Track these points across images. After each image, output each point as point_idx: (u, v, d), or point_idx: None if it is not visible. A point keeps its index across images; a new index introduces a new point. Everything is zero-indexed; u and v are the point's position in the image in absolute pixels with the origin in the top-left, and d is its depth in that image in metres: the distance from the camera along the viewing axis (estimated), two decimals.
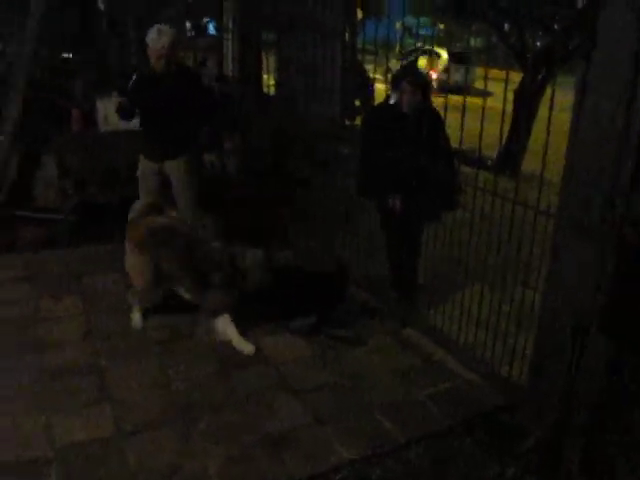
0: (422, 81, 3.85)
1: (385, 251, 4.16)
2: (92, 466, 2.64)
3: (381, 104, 4.13)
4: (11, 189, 5.35)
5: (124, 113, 4.17)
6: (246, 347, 3.56)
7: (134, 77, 4.07)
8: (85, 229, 5.04)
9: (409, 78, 3.76)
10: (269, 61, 5.92)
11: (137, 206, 4.17)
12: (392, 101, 3.83)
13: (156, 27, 3.97)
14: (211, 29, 9.67)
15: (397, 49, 8.52)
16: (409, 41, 12.77)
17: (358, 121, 4.69)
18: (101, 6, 7.33)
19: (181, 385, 3.23)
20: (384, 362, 3.54)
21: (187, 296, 3.75)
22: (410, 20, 8.69)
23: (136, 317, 3.83)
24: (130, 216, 4.10)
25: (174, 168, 4.28)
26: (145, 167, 4.32)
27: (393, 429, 2.94)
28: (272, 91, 6.14)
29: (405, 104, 3.75)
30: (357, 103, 8.21)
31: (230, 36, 5.92)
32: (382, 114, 3.95)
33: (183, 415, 2.99)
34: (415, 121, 3.65)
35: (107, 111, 5.07)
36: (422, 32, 4.41)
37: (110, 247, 4.63)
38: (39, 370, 3.31)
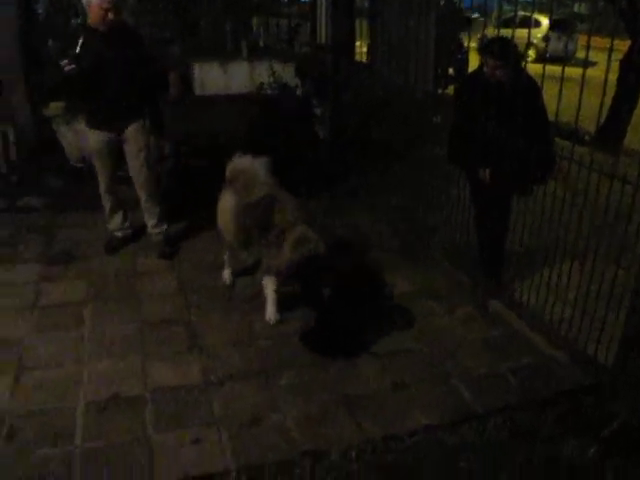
0: (500, 50, 3.61)
1: (473, 223, 4.10)
2: (181, 409, 2.85)
3: (475, 72, 4.01)
4: None
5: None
6: (272, 315, 3.57)
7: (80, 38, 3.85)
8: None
9: (490, 49, 3.63)
10: (362, 28, 5.89)
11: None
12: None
13: None
14: None
15: (494, 16, 8.20)
16: (507, 8, 12.20)
17: (450, 90, 4.58)
18: None
19: (266, 342, 3.38)
20: (467, 333, 3.54)
21: (242, 254, 3.82)
22: None
23: (226, 273, 3.99)
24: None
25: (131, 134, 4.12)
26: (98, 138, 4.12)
27: (471, 399, 2.96)
28: (364, 59, 6.12)
29: (489, 76, 3.64)
30: (450, 72, 8.03)
31: (323, 2, 5.89)
32: (475, 83, 3.84)
33: (266, 370, 3.13)
34: (509, 90, 3.53)
35: (203, 75, 5.15)
36: None
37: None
38: (136, 320, 3.56)
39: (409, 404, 2.90)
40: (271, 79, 6.18)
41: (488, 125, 3.62)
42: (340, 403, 2.90)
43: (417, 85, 4.51)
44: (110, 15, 3.83)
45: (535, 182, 3.71)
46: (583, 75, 2.97)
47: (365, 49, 6.20)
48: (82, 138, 5.50)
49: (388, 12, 4.99)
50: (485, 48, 3.70)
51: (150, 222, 4.40)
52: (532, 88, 3.57)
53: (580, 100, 3.08)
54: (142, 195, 4.32)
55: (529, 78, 3.66)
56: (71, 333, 3.46)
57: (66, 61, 3.73)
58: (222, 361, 3.21)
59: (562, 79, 3.11)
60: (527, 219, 3.60)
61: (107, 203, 4.38)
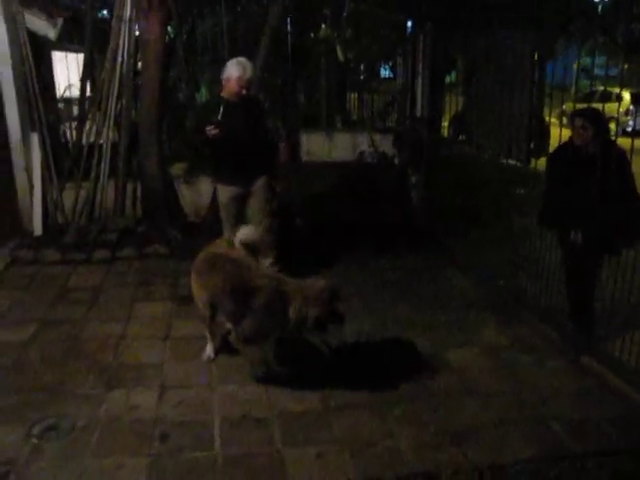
0: (591, 114, 3.98)
1: (564, 283, 4.37)
2: (305, 430, 3.23)
3: (566, 143, 4.39)
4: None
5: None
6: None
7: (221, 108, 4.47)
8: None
9: (578, 112, 4.01)
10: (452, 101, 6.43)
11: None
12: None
13: (241, 60, 4.49)
14: (383, 72, 10.39)
15: (572, 91, 8.55)
16: (585, 82, 12.49)
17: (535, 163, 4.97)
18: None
19: None
20: (561, 383, 3.77)
21: (227, 325, 3.77)
22: (587, 60, 8.65)
23: (208, 349, 3.97)
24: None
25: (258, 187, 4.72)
26: (230, 193, 4.72)
27: (569, 440, 3.18)
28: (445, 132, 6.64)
29: (577, 139, 3.99)
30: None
31: (420, 79, 6.50)
32: (566, 153, 4.21)
33: (382, 400, 3.50)
34: (600, 159, 3.88)
35: (309, 144, 5.74)
36: (600, 72, 4.52)
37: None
38: None
39: (510, 439, 3.18)
40: (371, 149, 6.79)
41: (579, 192, 3.96)
42: (448, 434, 3.21)
43: (512, 157, 4.90)
44: (244, 91, 4.54)
45: (624, 245, 4.00)
46: None
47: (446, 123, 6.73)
48: (199, 196, 6.26)
49: (482, 87, 5.46)
50: (577, 113, 4.06)
51: (266, 262, 4.85)
52: (622, 157, 3.91)
53: None
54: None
55: (618, 148, 4.01)
56: (200, 362, 3.95)
57: (211, 127, 4.35)
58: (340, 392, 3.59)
59: None
60: (618, 278, 3.87)
61: None
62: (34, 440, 3.11)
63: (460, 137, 6.54)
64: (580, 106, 4.29)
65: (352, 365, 3.93)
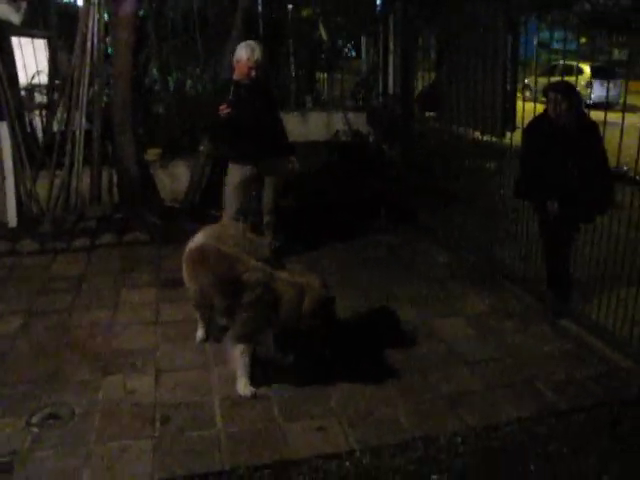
0: (564, 88, 4.11)
1: (541, 252, 4.54)
2: (304, 404, 3.33)
3: (540, 116, 4.51)
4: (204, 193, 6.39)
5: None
6: (243, 389, 3.40)
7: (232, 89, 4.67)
8: None
9: (552, 86, 4.15)
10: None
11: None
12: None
13: (250, 42, 4.68)
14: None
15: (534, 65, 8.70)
16: (547, 57, 12.67)
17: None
18: None
19: None
20: (542, 346, 3.94)
21: (221, 321, 3.72)
22: (546, 35, 8.79)
23: (199, 332, 4.00)
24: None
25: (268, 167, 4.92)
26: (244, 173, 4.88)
27: (555, 399, 3.35)
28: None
29: (552, 112, 4.12)
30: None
31: (392, 57, 6.57)
32: (542, 125, 4.34)
33: (374, 371, 3.62)
34: (573, 130, 4.02)
35: (285, 124, 5.70)
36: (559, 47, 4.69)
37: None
38: None
39: (501, 401, 3.33)
40: (345, 127, 6.85)
41: (555, 163, 4.11)
42: (441, 400, 3.34)
43: (486, 131, 5.02)
44: (253, 73, 4.66)
45: (597, 212, 4.16)
46: (622, 119, 3.47)
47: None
48: (175, 180, 6.24)
49: (455, 63, 5.54)
50: (551, 87, 4.18)
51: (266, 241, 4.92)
52: (593, 128, 4.06)
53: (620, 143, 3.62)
54: (266, 217, 5.10)
55: (590, 120, 4.16)
56: (193, 344, 3.99)
57: (225, 105, 4.46)
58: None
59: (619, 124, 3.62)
60: (593, 249, 4.04)
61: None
62: (34, 429, 3.11)
63: (428, 114, 6.62)
64: (542, 80, 4.42)
65: (342, 339, 4.02)
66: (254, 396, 3.38)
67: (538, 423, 3.14)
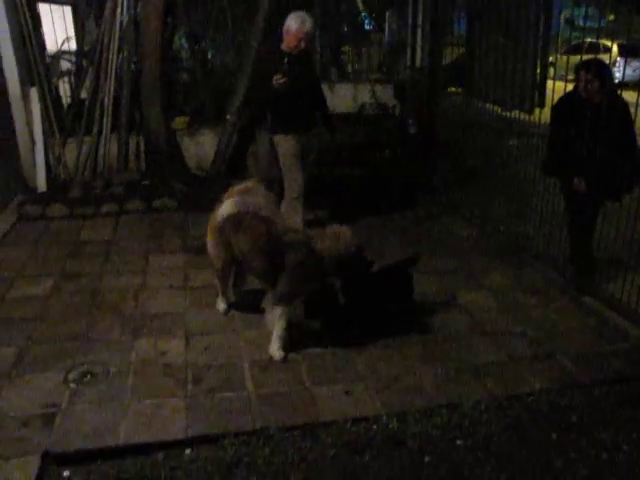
0: (596, 66, 4.07)
1: (566, 229, 4.55)
2: (332, 369, 3.42)
3: (570, 93, 4.49)
4: (230, 162, 6.45)
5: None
6: (276, 352, 3.47)
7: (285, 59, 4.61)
8: None
9: (584, 64, 4.11)
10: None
11: None
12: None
13: (300, 13, 4.61)
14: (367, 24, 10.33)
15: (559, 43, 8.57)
16: (574, 34, 12.41)
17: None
18: None
19: None
20: (566, 321, 4.00)
21: (260, 283, 3.76)
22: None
23: (219, 302, 4.03)
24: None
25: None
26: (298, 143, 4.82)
27: (577, 371, 3.42)
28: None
29: (582, 91, 4.10)
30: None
31: (420, 30, 6.52)
32: (571, 103, 4.32)
33: (400, 341, 3.70)
34: (604, 109, 4.00)
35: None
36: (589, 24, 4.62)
37: None
38: None
39: (524, 373, 3.40)
40: (372, 100, 6.84)
41: (583, 140, 4.10)
42: (466, 370, 3.42)
43: (515, 107, 4.99)
44: (302, 44, 4.65)
45: (625, 190, 4.16)
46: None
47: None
48: (202, 149, 6.29)
49: (485, 35, 5.50)
50: (582, 65, 4.15)
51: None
52: (624, 107, 4.04)
53: None
54: None
55: (621, 98, 4.13)
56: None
57: (279, 75, 4.45)
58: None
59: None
60: (620, 226, 4.05)
61: (301, 197, 4.95)
62: (72, 385, 3.25)
63: (455, 88, 6.58)
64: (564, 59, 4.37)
65: (368, 309, 4.10)
66: (284, 360, 3.47)
67: (560, 395, 3.21)
